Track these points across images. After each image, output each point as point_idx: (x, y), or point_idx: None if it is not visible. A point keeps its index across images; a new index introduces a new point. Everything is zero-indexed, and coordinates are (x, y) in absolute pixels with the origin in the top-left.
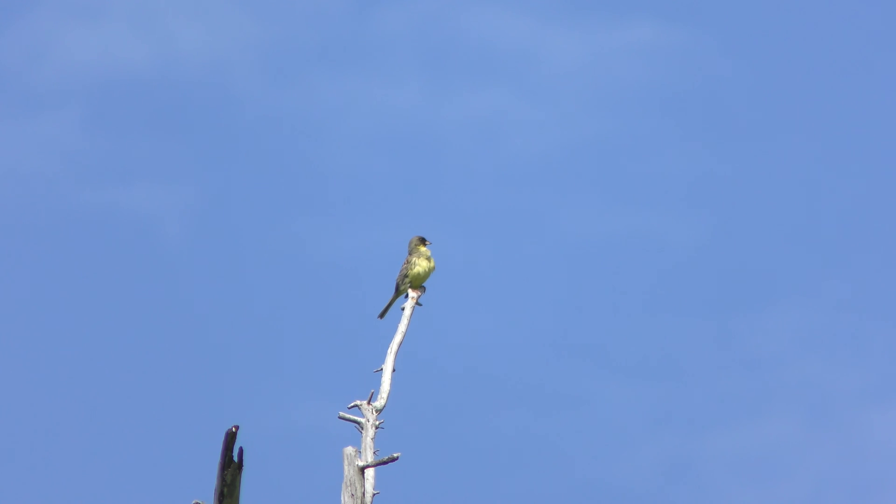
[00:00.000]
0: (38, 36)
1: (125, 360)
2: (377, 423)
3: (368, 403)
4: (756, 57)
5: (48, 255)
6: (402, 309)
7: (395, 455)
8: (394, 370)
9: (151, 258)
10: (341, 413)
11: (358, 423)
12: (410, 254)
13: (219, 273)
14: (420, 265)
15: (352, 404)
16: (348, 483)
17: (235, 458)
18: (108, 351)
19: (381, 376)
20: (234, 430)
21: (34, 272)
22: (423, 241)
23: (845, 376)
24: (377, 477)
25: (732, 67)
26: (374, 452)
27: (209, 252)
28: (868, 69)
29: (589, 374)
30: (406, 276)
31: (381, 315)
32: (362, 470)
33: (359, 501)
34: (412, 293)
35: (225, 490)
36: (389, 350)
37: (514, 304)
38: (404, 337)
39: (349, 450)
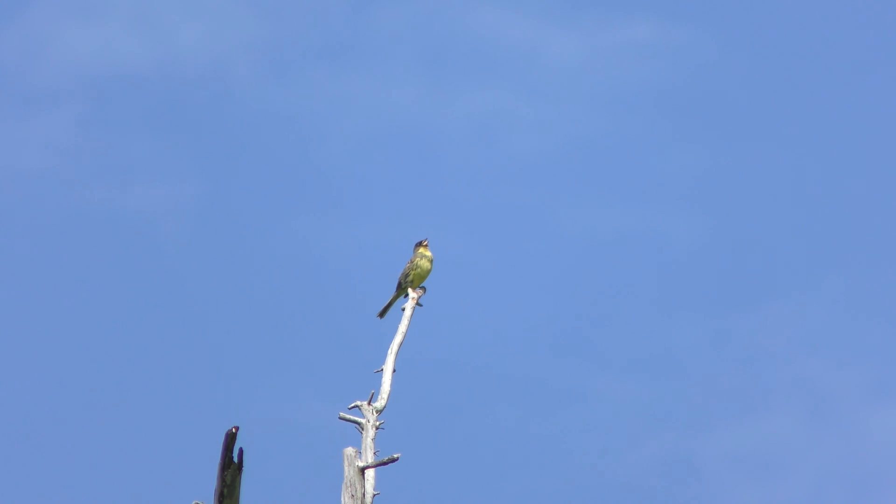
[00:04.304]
0: (36, 33)
1: (124, 359)
2: (377, 423)
3: (369, 404)
4: (755, 55)
5: (46, 253)
6: (403, 309)
7: (396, 456)
8: (394, 371)
9: (150, 256)
10: (342, 413)
11: (358, 423)
12: (414, 254)
13: (217, 272)
14: (422, 266)
15: (352, 405)
16: (348, 484)
17: (235, 459)
18: (107, 350)
19: (381, 377)
20: (233, 430)
21: (32, 271)
22: (423, 244)
23: (845, 374)
24: (377, 477)
25: (731, 65)
26: (375, 453)
27: (208, 250)
28: (867, 67)
29: (589, 371)
30: (408, 274)
31: (382, 314)
32: (362, 470)
33: (359, 502)
34: (412, 293)
35: (225, 490)
36: (390, 351)
37: (514, 302)
38: (405, 338)
39: (349, 450)
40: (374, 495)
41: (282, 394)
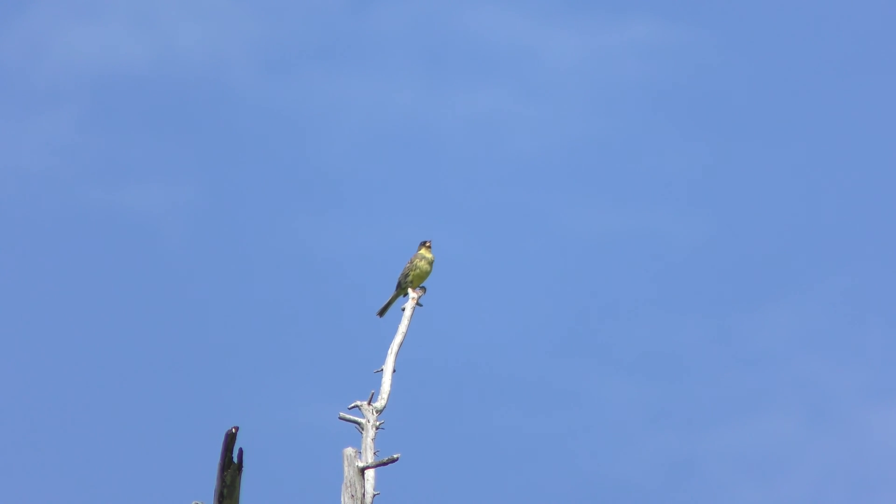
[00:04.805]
0: (36, 33)
1: (125, 360)
2: (377, 423)
3: (369, 404)
4: (755, 54)
5: (47, 254)
6: (403, 309)
7: (396, 456)
8: (394, 371)
9: (150, 256)
10: (342, 413)
11: (358, 423)
12: (416, 253)
13: (217, 272)
14: (421, 267)
15: (352, 405)
16: (348, 484)
17: (235, 459)
18: (107, 351)
19: (381, 377)
20: (233, 430)
21: (33, 271)
22: (427, 245)
23: (845, 374)
24: (377, 478)
25: (731, 65)
26: (375, 453)
27: (208, 250)
28: (867, 67)
29: (590, 371)
30: (407, 274)
31: (381, 313)
32: (362, 471)
33: (359, 502)
34: (412, 293)
35: (225, 491)
36: (390, 351)
37: (514, 302)
38: (405, 338)
39: (349, 450)
40: (374, 495)
41: (282, 394)
